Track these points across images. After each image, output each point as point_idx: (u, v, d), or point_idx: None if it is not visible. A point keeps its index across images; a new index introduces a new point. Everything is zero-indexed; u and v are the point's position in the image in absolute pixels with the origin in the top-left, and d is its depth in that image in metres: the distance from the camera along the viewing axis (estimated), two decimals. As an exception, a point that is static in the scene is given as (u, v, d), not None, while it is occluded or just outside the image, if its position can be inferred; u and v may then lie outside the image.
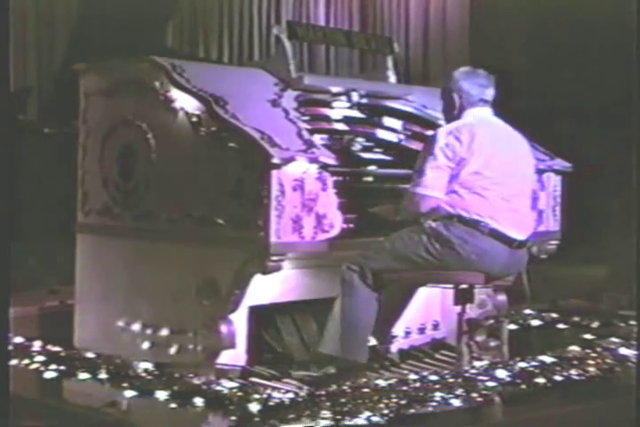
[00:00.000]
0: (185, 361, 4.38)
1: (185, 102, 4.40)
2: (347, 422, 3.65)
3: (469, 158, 4.20)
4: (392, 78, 5.41)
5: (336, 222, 4.29)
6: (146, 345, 4.56)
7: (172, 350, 4.46)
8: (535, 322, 5.83)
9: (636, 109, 6.58)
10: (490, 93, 4.44)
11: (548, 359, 4.55)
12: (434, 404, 3.88)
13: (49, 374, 4.44)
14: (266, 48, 8.52)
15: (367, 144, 5.01)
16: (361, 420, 3.67)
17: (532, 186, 4.65)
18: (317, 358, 4.41)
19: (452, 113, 4.44)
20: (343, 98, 5.00)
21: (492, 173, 4.24)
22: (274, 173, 4.07)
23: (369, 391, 3.96)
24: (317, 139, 4.48)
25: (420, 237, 4.28)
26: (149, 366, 4.39)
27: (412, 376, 4.23)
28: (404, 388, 4.02)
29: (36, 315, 5.41)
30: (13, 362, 4.48)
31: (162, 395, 4.03)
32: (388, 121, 5.18)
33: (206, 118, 4.31)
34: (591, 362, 4.58)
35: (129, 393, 4.08)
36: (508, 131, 4.47)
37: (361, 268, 4.33)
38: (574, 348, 4.83)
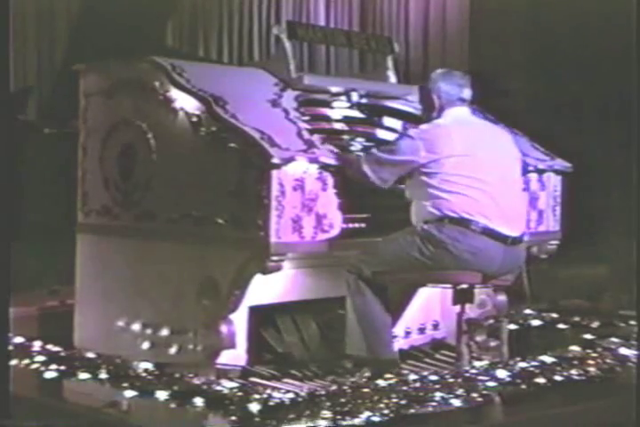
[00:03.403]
0: (185, 361, 4.38)
1: (185, 102, 4.40)
2: (347, 422, 3.65)
3: (440, 161, 4.23)
4: (392, 78, 5.41)
5: (336, 222, 4.29)
6: (146, 345, 4.56)
7: (172, 350, 4.46)
8: (535, 322, 5.83)
9: (635, 109, 6.58)
10: (468, 93, 4.49)
11: (548, 359, 4.55)
12: (434, 404, 3.88)
13: (49, 374, 4.44)
14: (266, 48, 8.52)
15: (367, 144, 5.00)
16: (361, 420, 3.67)
17: (520, 181, 4.66)
18: (350, 361, 4.41)
19: (431, 114, 4.49)
20: (343, 98, 4.99)
21: (471, 172, 4.25)
22: (274, 172, 4.07)
23: (369, 391, 3.96)
24: (317, 139, 4.47)
25: (413, 239, 4.29)
26: (149, 366, 4.39)
27: (412, 376, 4.23)
28: (404, 388, 4.03)
29: (36, 315, 5.41)
30: (13, 362, 4.47)
31: (162, 395, 4.03)
32: (387, 121, 5.17)
33: (206, 118, 4.31)
34: (591, 362, 4.58)
35: (129, 393, 4.08)
36: (487, 128, 4.53)
37: (360, 269, 4.34)
38: (574, 348, 4.83)
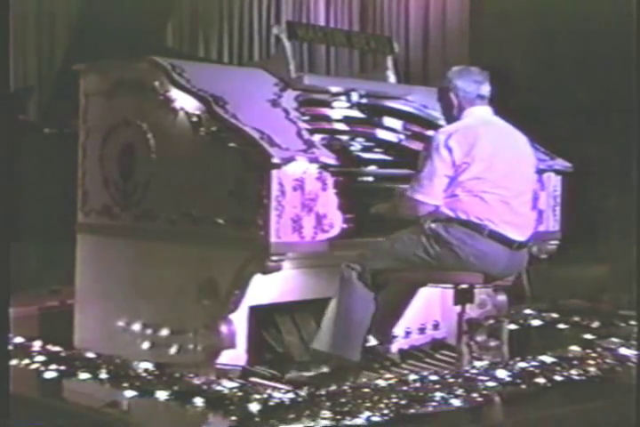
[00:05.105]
0: (185, 361, 4.38)
1: (185, 102, 4.40)
2: (347, 422, 3.65)
3: (470, 163, 4.17)
4: (392, 78, 5.41)
5: (336, 222, 4.29)
6: (146, 345, 4.56)
7: (172, 350, 4.46)
8: (535, 322, 5.83)
9: (636, 109, 6.58)
10: (486, 89, 4.40)
11: (548, 359, 4.55)
12: (434, 404, 3.88)
13: (49, 374, 4.44)
14: (266, 48, 8.54)
15: (367, 144, 5.00)
16: (361, 420, 3.67)
17: (533, 186, 4.64)
18: (311, 356, 4.40)
19: (451, 114, 4.42)
20: (343, 98, 4.99)
21: (493, 176, 4.21)
22: (274, 172, 4.07)
23: (369, 391, 3.96)
24: (317, 139, 4.47)
25: (419, 238, 4.27)
26: (149, 366, 4.39)
27: (412, 376, 4.22)
28: (404, 388, 4.03)
29: (36, 315, 5.41)
30: (13, 362, 4.47)
31: (162, 395, 4.03)
32: (388, 121, 5.18)
33: (206, 118, 4.31)
34: (591, 362, 4.58)
35: (129, 393, 4.08)
36: (508, 131, 4.44)
37: (361, 267, 4.33)
38: (574, 348, 4.83)
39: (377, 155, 5.00)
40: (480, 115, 4.38)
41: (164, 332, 4.51)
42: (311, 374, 4.31)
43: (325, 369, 4.32)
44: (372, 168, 4.87)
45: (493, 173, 4.22)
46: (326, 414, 3.70)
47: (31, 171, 6.48)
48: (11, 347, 4.58)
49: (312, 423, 3.62)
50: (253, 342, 4.49)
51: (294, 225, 4.14)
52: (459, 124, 4.32)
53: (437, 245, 4.23)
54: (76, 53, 7.10)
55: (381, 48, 5.41)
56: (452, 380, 4.13)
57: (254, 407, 3.80)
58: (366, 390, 3.99)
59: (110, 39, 7.05)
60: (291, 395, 3.95)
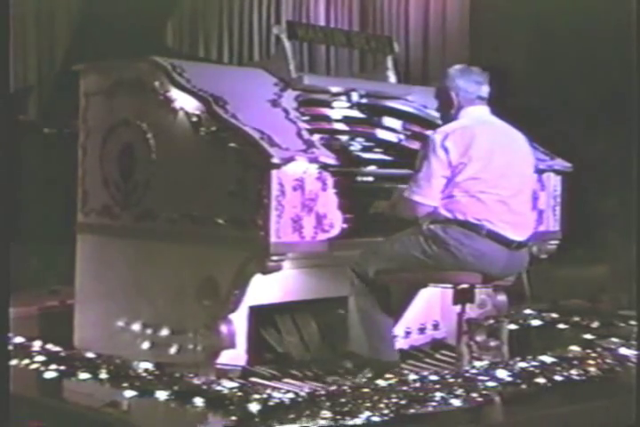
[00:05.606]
0: (185, 361, 4.38)
1: (185, 102, 4.40)
2: (347, 422, 3.65)
3: (467, 164, 4.17)
4: (392, 78, 5.41)
5: (336, 222, 4.29)
6: (146, 345, 4.56)
7: (172, 350, 4.46)
8: (535, 322, 5.82)
9: (636, 109, 6.58)
10: (485, 90, 4.40)
11: (548, 359, 4.55)
12: (434, 404, 3.88)
13: (49, 374, 4.44)
14: (266, 48, 8.53)
15: (367, 144, 5.00)
16: (361, 420, 3.67)
17: (532, 185, 4.64)
18: (351, 359, 4.40)
19: (448, 112, 4.41)
20: (343, 98, 4.99)
21: (490, 176, 4.21)
22: (274, 172, 4.07)
23: (369, 391, 3.96)
24: (317, 139, 4.47)
25: (417, 239, 4.27)
26: (149, 366, 4.39)
27: (412, 376, 4.22)
28: (404, 388, 4.03)
29: (36, 315, 5.41)
30: (13, 362, 4.47)
31: (162, 395, 4.03)
32: (387, 121, 5.18)
33: (206, 118, 4.31)
34: (591, 362, 4.58)
35: (129, 393, 4.08)
36: (506, 130, 4.44)
37: (364, 269, 4.33)
38: (574, 348, 4.83)
39: (377, 155, 5.00)
40: (477, 114, 4.38)
41: (164, 332, 4.51)
42: (358, 379, 4.29)
43: (369, 374, 4.31)
44: (372, 168, 4.87)
45: (490, 172, 4.22)
46: (326, 414, 3.70)
47: (31, 171, 6.48)
48: (11, 347, 4.58)
49: (312, 423, 3.62)
50: (253, 342, 4.50)
51: (294, 225, 4.14)
52: (455, 125, 4.32)
53: (435, 246, 4.24)
54: (75, 53, 7.09)
55: (381, 48, 5.41)
56: (452, 380, 4.13)
57: (254, 407, 3.80)
58: (366, 390, 3.99)
59: (110, 39, 7.05)
60: (291, 395, 3.95)
